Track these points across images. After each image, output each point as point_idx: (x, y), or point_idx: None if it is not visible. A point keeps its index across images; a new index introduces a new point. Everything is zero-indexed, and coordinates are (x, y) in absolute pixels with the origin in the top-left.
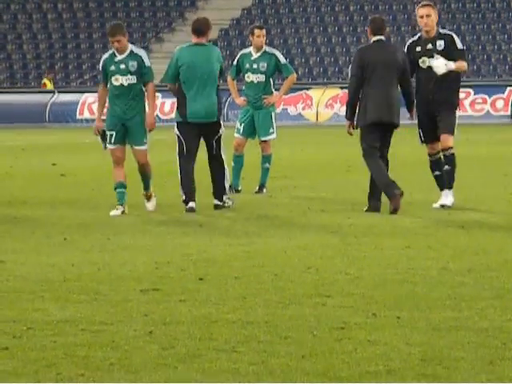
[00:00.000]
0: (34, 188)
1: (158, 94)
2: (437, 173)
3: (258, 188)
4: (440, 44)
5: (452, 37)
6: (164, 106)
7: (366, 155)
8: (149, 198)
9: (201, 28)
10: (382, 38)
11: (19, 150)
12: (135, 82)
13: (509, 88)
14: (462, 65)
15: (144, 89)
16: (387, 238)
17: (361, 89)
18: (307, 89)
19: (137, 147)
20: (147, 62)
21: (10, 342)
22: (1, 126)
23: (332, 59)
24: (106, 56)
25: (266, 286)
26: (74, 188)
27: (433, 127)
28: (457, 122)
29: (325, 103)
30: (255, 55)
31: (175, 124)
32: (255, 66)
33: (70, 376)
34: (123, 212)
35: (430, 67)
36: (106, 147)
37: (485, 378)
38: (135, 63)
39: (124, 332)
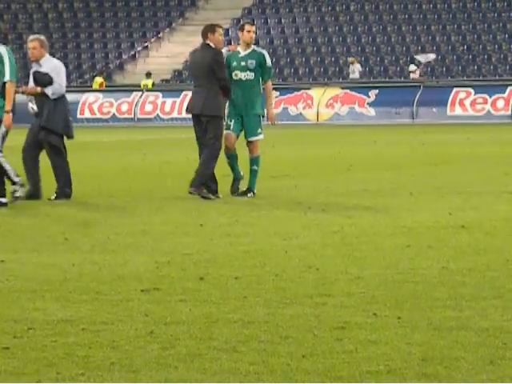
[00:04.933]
0: None
1: (159, 94)
2: None
3: (246, 192)
4: None
5: None
6: (165, 106)
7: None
8: None
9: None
10: (206, 42)
11: (19, 150)
12: None
13: (509, 88)
14: None
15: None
16: (388, 237)
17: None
18: (308, 88)
19: None
20: None
21: (10, 342)
22: None
23: (332, 59)
24: None
25: (267, 286)
26: (74, 187)
27: None
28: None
29: (325, 103)
30: (243, 53)
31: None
32: (243, 63)
33: (70, 376)
34: None
35: None
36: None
37: (485, 378)
38: None
39: (124, 332)
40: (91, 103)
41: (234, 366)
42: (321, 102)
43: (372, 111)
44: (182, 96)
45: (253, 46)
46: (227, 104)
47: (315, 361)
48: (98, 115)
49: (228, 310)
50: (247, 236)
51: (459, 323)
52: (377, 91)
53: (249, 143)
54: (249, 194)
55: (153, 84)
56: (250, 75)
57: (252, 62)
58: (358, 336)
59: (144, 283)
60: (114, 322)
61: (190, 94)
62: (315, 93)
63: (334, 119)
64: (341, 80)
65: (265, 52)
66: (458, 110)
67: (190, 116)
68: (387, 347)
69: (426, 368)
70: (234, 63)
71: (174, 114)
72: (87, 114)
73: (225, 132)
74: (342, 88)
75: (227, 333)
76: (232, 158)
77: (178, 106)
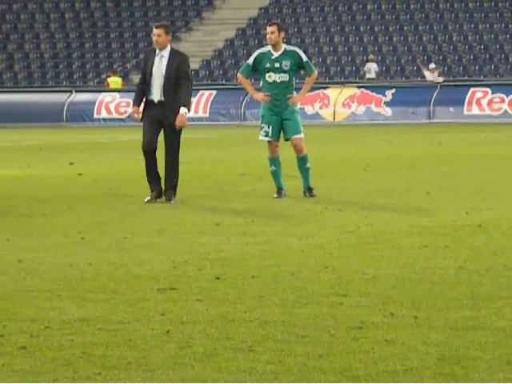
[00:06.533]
0: (51, 187)
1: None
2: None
3: (305, 192)
4: None
5: None
6: None
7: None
8: None
9: None
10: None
11: (37, 150)
12: None
13: None
14: None
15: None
16: (404, 237)
17: None
18: (324, 88)
19: None
20: None
21: (27, 341)
22: (18, 125)
23: (349, 58)
24: None
25: (283, 286)
26: (91, 187)
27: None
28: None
29: (342, 102)
30: (276, 54)
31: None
32: (277, 65)
33: (87, 375)
34: None
35: None
36: None
37: (502, 378)
38: None
39: (141, 331)
40: (108, 103)
41: (250, 365)
42: (337, 102)
43: (389, 111)
44: (198, 95)
45: (284, 46)
46: (261, 107)
47: (332, 360)
48: (115, 115)
49: (244, 309)
50: (263, 235)
51: (476, 323)
52: (393, 91)
53: (293, 142)
54: (313, 192)
55: None
56: (285, 77)
57: (287, 64)
58: (374, 336)
59: (160, 283)
60: (130, 321)
61: (206, 93)
62: (332, 92)
63: (351, 119)
64: (357, 79)
65: (297, 49)
66: (475, 110)
67: (206, 115)
68: (404, 347)
69: (442, 368)
70: (268, 65)
71: (191, 114)
72: (104, 114)
73: (265, 138)
74: (359, 88)
75: (244, 332)
76: (276, 164)
77: (194, 105)
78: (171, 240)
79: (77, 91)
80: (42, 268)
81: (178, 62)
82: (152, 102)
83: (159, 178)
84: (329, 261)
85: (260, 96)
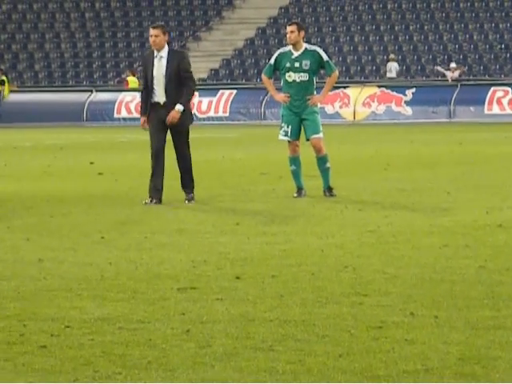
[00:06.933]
0: (71, 186)
1: (195, 92)
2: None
3: (325, 192)
4: None
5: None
6: (201, 105)
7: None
8: None
9: None
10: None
11: (57, 149)
12: None
13: None
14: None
15: None
16: (425, 236)
17: None
18: (344, 87)
19: None
20: None
21: (47, 341)
22: (39, 124)
23: (369, 58)
24: None
25: (303, 285)
26: (111, 186)
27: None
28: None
29: (362, 102)
30: (296, 53)
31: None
32: (297, 64)
33: (107, 374)
34: None
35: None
36: None
37: None
38: None
39: (161, 330)
40: (128, 102)
41: (270, 365)
42: (358, 101)
43: (409, 110)
44: (218, 95)
45: (304, 45)
46: (282, 107)
47: (352, 360)
48: (135, 114)
49: (264, 308)
50: (283, 235)
51: (496, 323)
52: (414, 90)
53: (312, 142)
54: (333, 192)
55: None
56: (305, 76)
57: (307, 63)
58: (394, 335)
59: (180, 282)
60: (150, 320)
61: (226, 92)
62: (352, 92)
63: (371, 118)
64: (378, 79)
65: (318, 48)
66: (496, 109)
67: (227, 115)
68: (424, 346)
69: (463, 367)
70: (288, 64)
71: (211, 113)
72: (124, 114)
73: (284, 138)
74: (379, 87)
75: (264, 332)
76: (296, 164)
77: (214, 104)
78: (191, 239)
79: (97, 91)
80: (62, 267)
81: (177, 60)
82: (157, 103)
83: (161, 188)
84: (349, 260)
85: (280, 97)
